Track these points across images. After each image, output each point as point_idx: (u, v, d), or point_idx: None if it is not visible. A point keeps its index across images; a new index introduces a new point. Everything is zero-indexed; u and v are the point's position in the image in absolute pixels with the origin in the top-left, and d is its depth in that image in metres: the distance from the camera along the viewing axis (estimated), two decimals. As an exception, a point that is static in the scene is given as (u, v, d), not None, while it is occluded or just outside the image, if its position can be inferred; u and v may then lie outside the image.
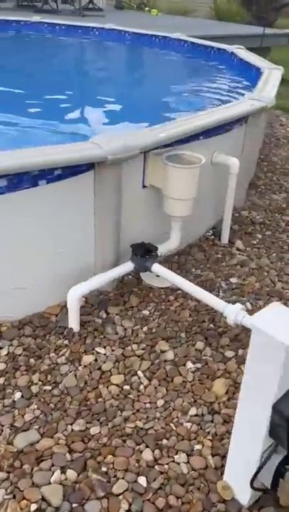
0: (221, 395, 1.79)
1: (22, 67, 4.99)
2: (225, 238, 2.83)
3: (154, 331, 2.10)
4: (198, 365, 1.92)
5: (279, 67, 3.95)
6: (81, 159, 1.87)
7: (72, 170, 1.93)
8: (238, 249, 2.80)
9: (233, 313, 1.89)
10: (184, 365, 1.93)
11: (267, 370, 1.13)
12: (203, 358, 1.96)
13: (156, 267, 2.17)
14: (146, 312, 2.22)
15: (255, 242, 2.88)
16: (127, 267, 2.16)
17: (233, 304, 2.28)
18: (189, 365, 1.92)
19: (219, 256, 2.72)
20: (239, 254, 2.76)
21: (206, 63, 5.46)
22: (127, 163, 2.07)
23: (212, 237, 2.90)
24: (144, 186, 2.25)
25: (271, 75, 3.62)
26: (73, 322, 2.02)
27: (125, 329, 2.10)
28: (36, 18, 7.13)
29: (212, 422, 1.69)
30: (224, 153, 2.65)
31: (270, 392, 1.14)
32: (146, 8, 9.92)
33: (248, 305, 2.31)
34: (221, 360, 1.95)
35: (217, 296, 2.35)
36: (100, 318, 2.14)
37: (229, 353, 1.98)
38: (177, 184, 2.13)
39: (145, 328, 2.11)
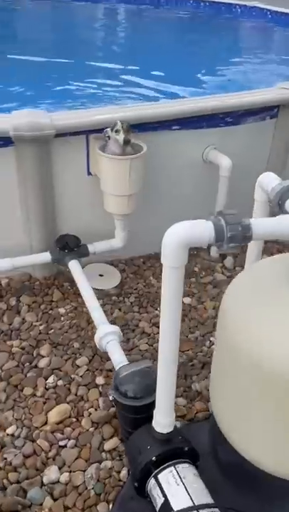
0: (51, 423, 1.54)
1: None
2: (214, 251, 2.40)
3: (51, 331, 1.91)
4: (60, 383, 1.68)
5: None
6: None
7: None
8: (224, 266, 2.35)
9: (99, 334, 1.60)
10: (47, 378, 1.71)
11: None
12: (72, 376, 1.71)
13: (72, 264, 1.95)
14: (61, 310, 2.02)
15: (252, 263, 2.38)
16: (43, 257, 1.99)
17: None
18: (52, 379, 1.70)
19: (195, 270, 2.33)
20: (222, 273, 2.31)
21: None
22: (64, 143, 1.88)
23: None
24: (89, 174, 2.02)
25: None
26: None
27: (23, 322, 1.95)
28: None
29: (20, 448, 1.47)
30: (229, 151, 2.20)
31: None
32: None
33: (177, 333, 1.93)
34: (87, 384, 1.68)
35: (149, 314, 2.03)
36: (6, 304, 2.02)
37: (100, 380, 1.69)
38: (107, 176, 1.86)
39: (43, 327, 1.92)
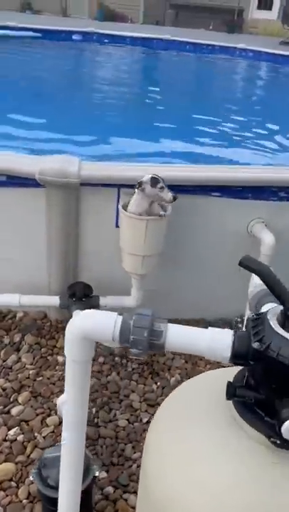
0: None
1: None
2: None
3: (39, 379, 1.83)
4: (20, 438, 1.59)
5: None
6: (9, 170, 1.77)
7: (20, 181, 1.86)
8: (252, 352, 2.08)
9: (62, 398, 1.49)
10: (11, 428, 1.62)
11: None
12: (35, 434, 1.60)
13: (76, 314, 1.86)
14: (60, 359, 1.94)
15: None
16: (53, 301, 1.94)
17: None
18: (14, 431, 1.61)
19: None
20: (247, 358, 2.05)
21: None
22: (95, 192, 1.85)
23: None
24: (117, 226, 1.95)
25: None
26: None
27: (17, 362, 1.90)
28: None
29: None
30: (279, 228, 1.99)
31: None
32: None
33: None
34: (45, 448, 1.55)
35: (146, 386, 1.86)
36: (10, 339, 2.00)
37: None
38: (124, 233, 1.77)
39: (34, 372, 1.86)
